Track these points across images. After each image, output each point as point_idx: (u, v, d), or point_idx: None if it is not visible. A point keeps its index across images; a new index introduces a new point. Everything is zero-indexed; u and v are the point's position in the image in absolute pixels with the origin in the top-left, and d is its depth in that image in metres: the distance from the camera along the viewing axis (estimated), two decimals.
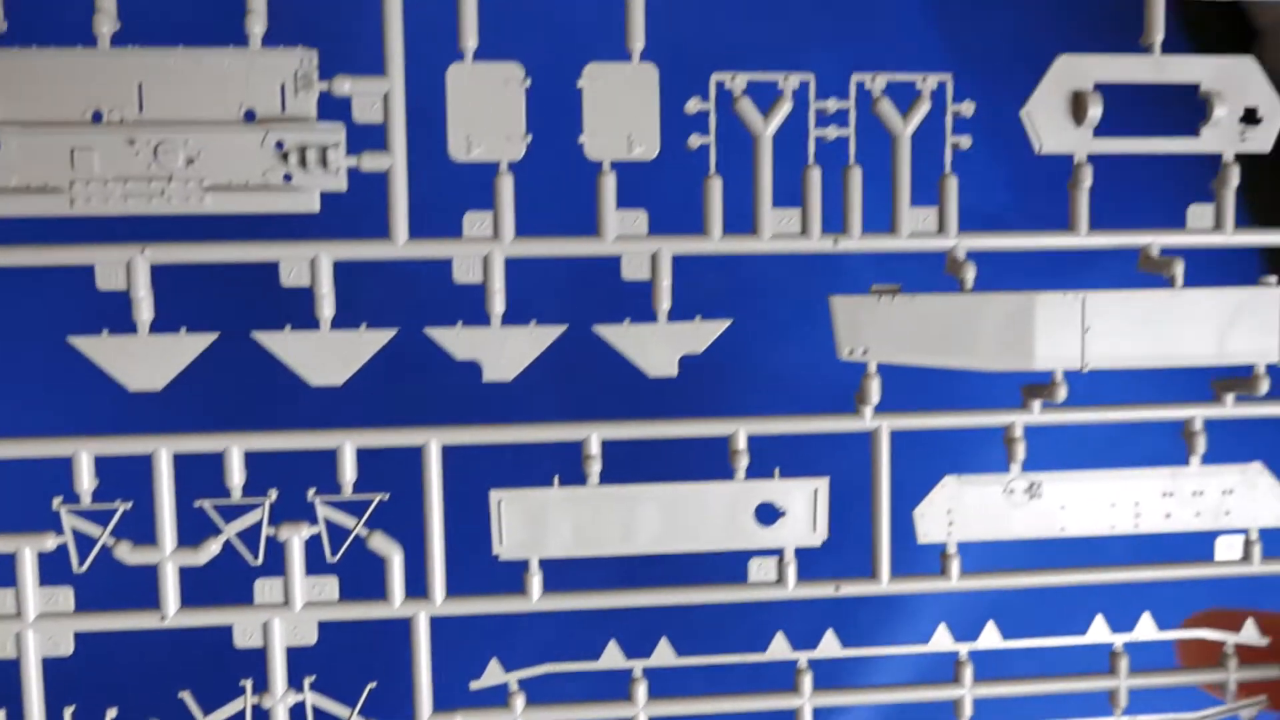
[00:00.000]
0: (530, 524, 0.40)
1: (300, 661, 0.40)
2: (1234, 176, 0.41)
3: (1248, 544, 0.43)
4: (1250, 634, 0.44)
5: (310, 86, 0.38)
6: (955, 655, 0.42)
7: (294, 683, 0.39)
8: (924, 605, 0.56)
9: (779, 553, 0.41)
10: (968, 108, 0.40)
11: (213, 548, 0.38)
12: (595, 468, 0.39)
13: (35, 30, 0.37)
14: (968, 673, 0.42)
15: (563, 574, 0.40)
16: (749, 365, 0.50)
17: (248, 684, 0.39)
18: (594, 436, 0.40)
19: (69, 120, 0.36)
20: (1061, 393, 0.40)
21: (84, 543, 0.39)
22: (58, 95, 0.36)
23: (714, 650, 0.42)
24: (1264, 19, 0.59)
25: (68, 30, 0.38)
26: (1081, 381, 0.42)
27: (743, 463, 0.40)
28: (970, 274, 0.40)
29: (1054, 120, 0.40)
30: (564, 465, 0.40)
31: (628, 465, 0.40)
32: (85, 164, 0.37)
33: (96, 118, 0.37)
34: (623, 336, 0.40)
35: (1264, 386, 0.41)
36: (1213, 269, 0.43)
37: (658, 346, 0.40)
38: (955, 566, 0.42)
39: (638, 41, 0.38)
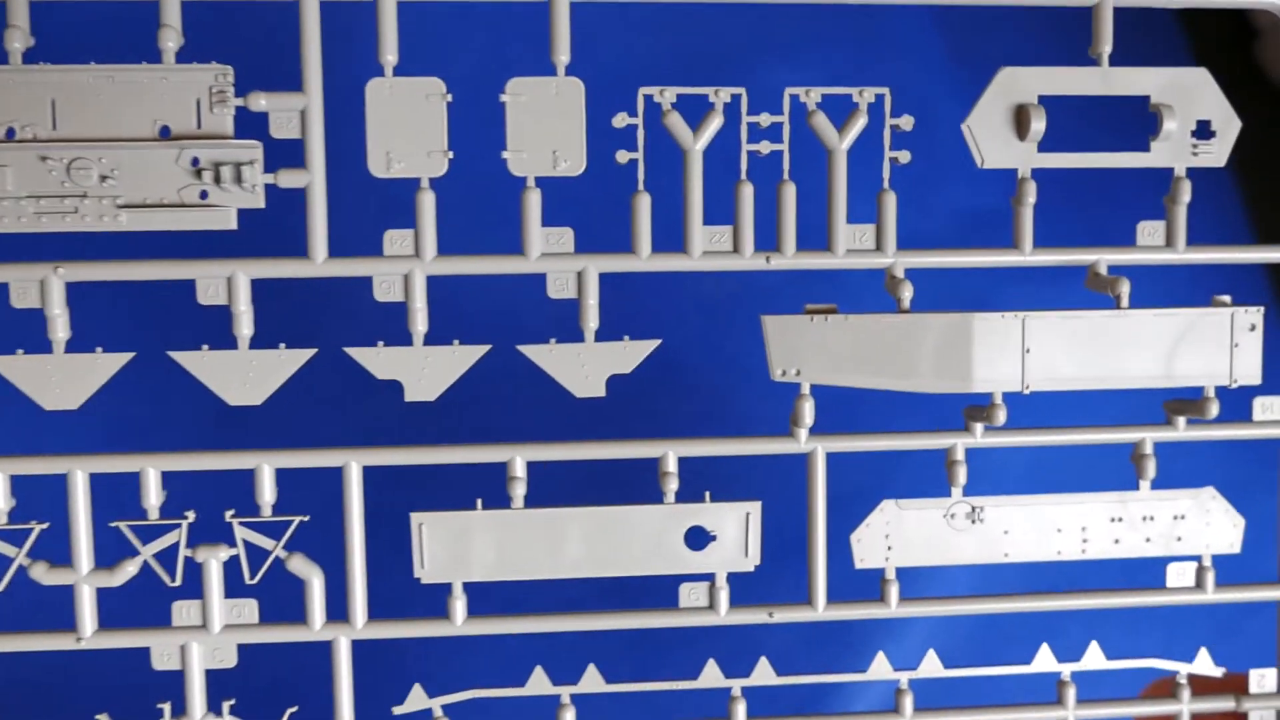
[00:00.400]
0: (453, 547, 0.38)
1: (220, 684, 0.38)
2: (1185, 192, 0.39)
3: (1200, 571, 0.41)
4: (1205, 665, 0.42)
5: (225, 103, 0.36)
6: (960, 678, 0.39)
7: (213, 706, 0.38)
8: (913, 623, 0.53)
9: (711, 577, 0.40)
10: (906, 122, 0.38)
11: (129, 569, 0.37)
12: (519, 490, 0.38)
13: None
14: (908, 702, 0.41)
15: (512, 596, 0.39)
16: (683, 386, 0.48)
17: (166, 707, 0.38)
18: (518, 458, 0.38)
19: None
20: (1000, 415, 0.38)
21: (0, 563, 0.38)
22: None
23: (651, 676, 0.41)
24: (1263, 19, 0.57)
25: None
26: (1038, 405, 0.40)
27: (672, 485, 0.38)
28: (907, 293, 0.38)
29: (996, 134, 0.38)
30: (489, 487, 0.39)
31: (555, 488, 0.39)
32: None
33: (9, 135, 0.36)
34: (548, 356, 0.39)
35: (1213, 410, 0.39)
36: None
37: (584, 366, 0.39)
38: (894, 593, 0.40)
39: (563, 55, 0.37)
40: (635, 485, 0.40)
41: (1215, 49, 0.58)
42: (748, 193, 0.38)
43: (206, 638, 0.38)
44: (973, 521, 0.40)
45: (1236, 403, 0.41)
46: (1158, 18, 0.53)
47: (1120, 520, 0.40)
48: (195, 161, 0.37)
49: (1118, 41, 0.42)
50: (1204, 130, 0.40)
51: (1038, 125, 0.38)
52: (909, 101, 0.43)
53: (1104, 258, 0.40)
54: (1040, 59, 0.45)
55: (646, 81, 0.38)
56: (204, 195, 0.37)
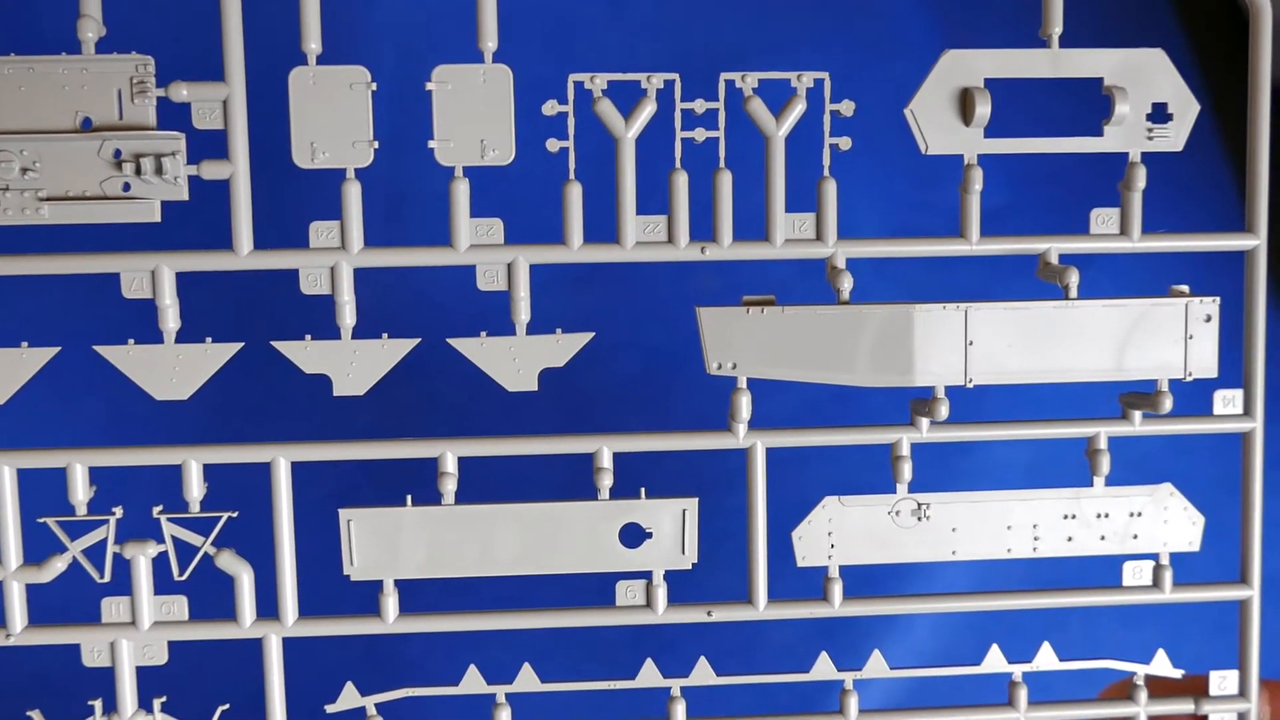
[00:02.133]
0: (382, 544, 0.35)
1: (151, 681, 0.35)
2: (1140, 177, 0.35)
3: (1158, 569, 0.37)
4: (1162, 665, 0.37)
5: (146, 93, 0.33)
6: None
7: (144, 704, 0.35)
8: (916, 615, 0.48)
9: (648, 575, 0.36)
10: (847, 107, 0.34)
11: (58, 565, 0.34)
12: (450, 486, 0.34)
13: None
14: (853, 702, 0.37)
15: (449, 592, 0.35)
16: (620, 380, 0.44)
17: (97, 704, 0.35)
18: (449, 454, 0.35)
19: None
20: (943, 410, 0.34)
21: None
22: None
23: (590, 676, 0.37)
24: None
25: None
26: (994, 399, 0.36)
27: (606, 481, 0.35)
28: (847, 284, 0.34)
29: (940, 119, 0.34)
30: (421, 484, 0.35)
31: (488, 484, 0.35)
32: None
33: None
34: (479, 350, 0.35)
35: (1167, 404, 0.34)
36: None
37: (516, 360, 0.35)
38: (837, 591, 0.36)
39: (490, 41, 0.33)
40: (573, 482, 0.36)
41: (1214, 43, 0.53)
42: (682, 181, 0.34)
43: (136, 634, 0.35)
44: (919, 519, 0.36)
45: (1199, 396, 0.37)
46: (1157, 17, 0.48)
47: (1074, 518, 0.36)
48: (117, 153, 0.34)
49: (1114, 38, 0.38)
50: (1160, 113, 0.35)
51: (983, 109, 0.34)
52: (908, 101, 0.39)
53: (1055, 246, 0.35)
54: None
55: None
56: (126, 188, 0.34)
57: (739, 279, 0.37)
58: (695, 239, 0.33)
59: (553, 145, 0.33)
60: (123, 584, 0.34)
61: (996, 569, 0.38)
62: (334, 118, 0.32)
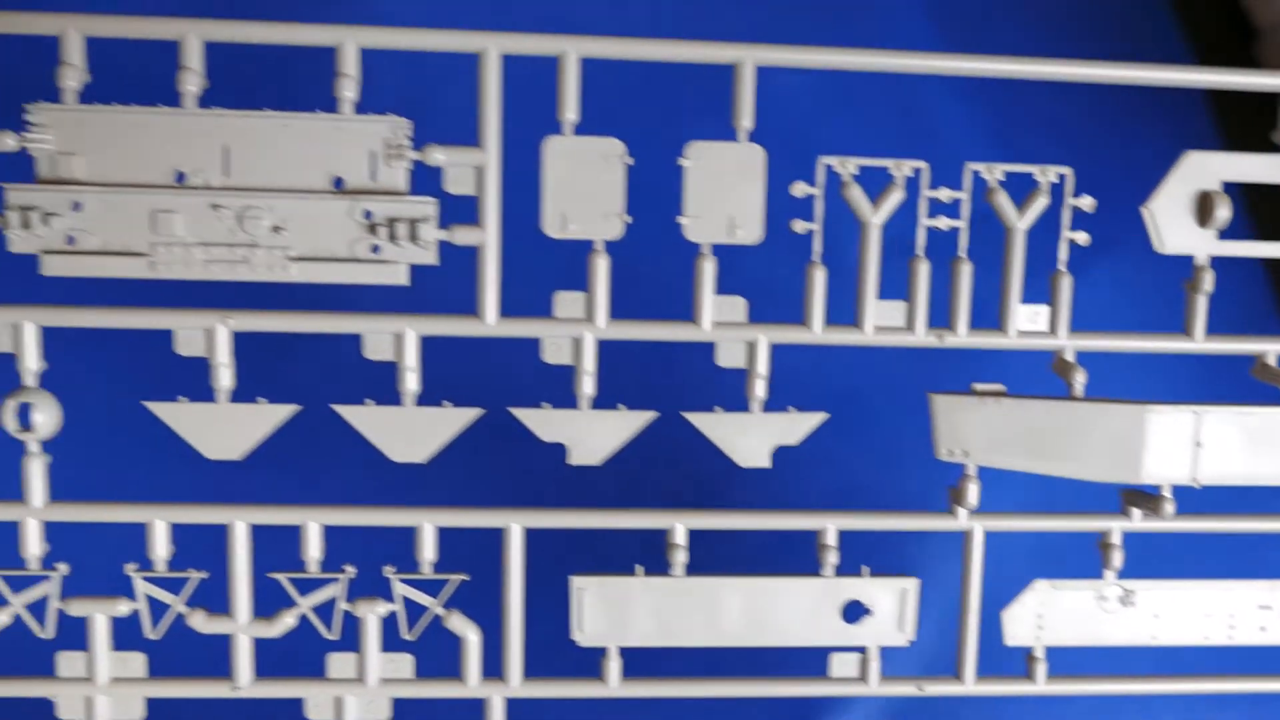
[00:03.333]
0: (611, 612, 0.30)
1: None
2: None
3: None
4: None
5: (402, 156, 0.28)
6: None
7: None
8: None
9: (862, 649, 0.33)
10: (1087, 203, 0.31)
11: (287, 620, 0.29)
12: (680, 558, 0.29)
13: (119, 87, 0.30)
14: None
15: (645, 660, 0.32)
16: (845, 459, 0.41)
17: None
18: (679, 526, 0.30)
19: (152, 182, 0.27)
20: (1169, 509, 0.30)
21: (158, 609, 0.32)
22: (141, 156, 0.27)
23: None
24: (1263, 18, 0.46)
25: (153, 88, 0.30)
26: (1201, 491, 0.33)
27: (831, 559, 0.30)
28: (1080, 379, 0.30)
29: (1177, 219, 0.31)
30: (649, 551, 0.33)
31: (716, 554, 0.32)
32: (167, 227, 0.27)
33: (180, 179, 0.27)
34: (715, 425, 0.31)
35: None
36: None
37: (750, 437, 0.32)
38: (1041, 671, 0.32)
39: (745, 120, 0.28)
40: (793, 554, 0.33)
41: (1214, 48, 0.50)
42: (924, 270, 0.30)
43: (362, 690, 0.30)
44: (1124, 604, 0.34)
45: None
46: (1156, 17, 0.44)
47: (1269, 608, 0.34)
48: (368, 215, 0.29)
49: (1114, 38, 0.35)
50: None
51: (1223, 213, 0.31)
52: (908, 101, 0.36)
53: (1274, 349, 0.33)
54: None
55: (822, 149, 0.32)
56: (375, 249, 0.30)
57: (950, 359, 0.34)
58: (932, 325, 0.29)
59: (800, 227, 0.28)
60: (350, 641, 0.30)
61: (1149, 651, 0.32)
62: (586, 189, 0.28)
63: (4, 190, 0.27)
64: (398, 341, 0.29)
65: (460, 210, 0.29)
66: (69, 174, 0.27)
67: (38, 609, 0.29)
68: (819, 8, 0.43)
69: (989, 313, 0.30)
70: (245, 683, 0.30)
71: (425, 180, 0.28)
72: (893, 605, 0.30)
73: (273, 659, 0.30)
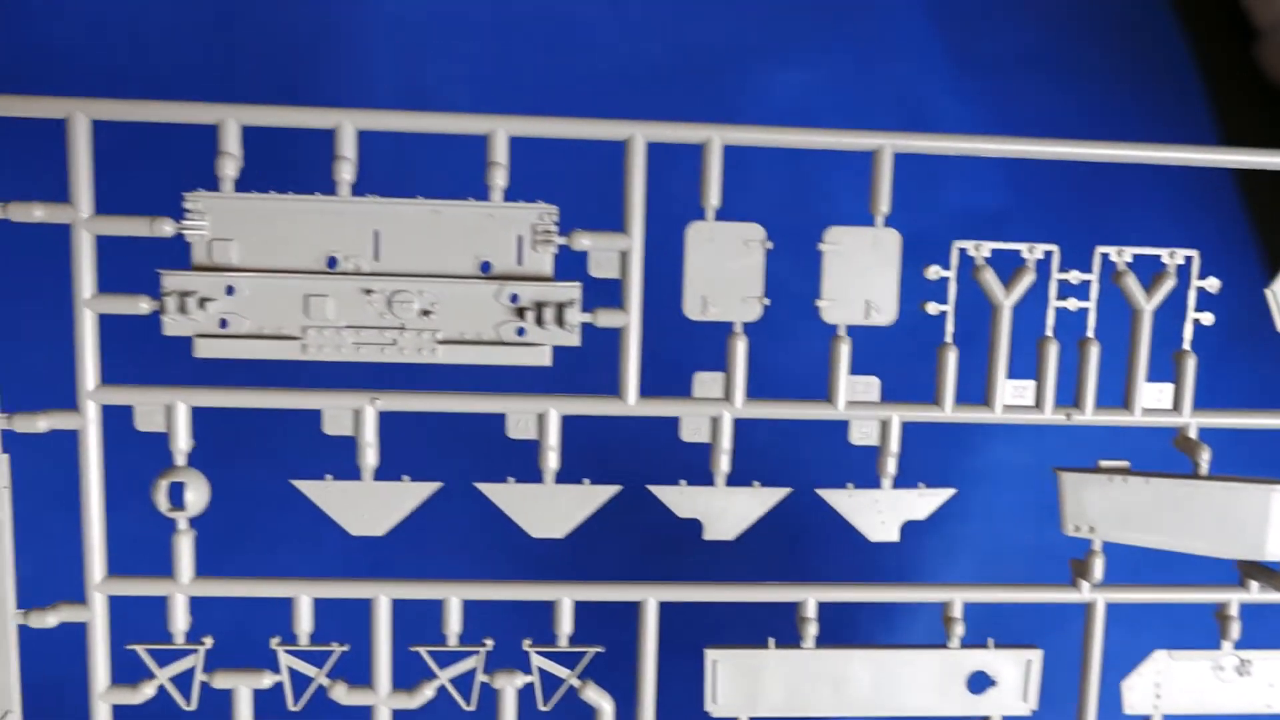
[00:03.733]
0: (743, 683, 0.29)
1: None
2: None
3: None
4: None
5: (550, 242, 0.27)
6: None
7: None
8: None
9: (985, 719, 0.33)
10: (1212, 284, 0.31)
11: (427, 693, 0.28)
12: (811, 630, 0.29)
13: (271, 175, 0.29)
14: None
15: None
16: (971, 533, 0.41)
17: None
18: (811, 600, 0.30)
19: (303, 267, 0.26)
20: None
21: (300, 682, 0.31)
22: (293, 241, 0.26)
23: None
24: (1263, 18, 0.45)
25: (303, 174, 0.30)
26: None
27: (958, 630, 0.29)
28: (1205, 456, 0.30)
29: None
30: (779, 623, 0.32)
31: (844, 624, 0.32)
32: (319, 311, 0.26)
33: (331, 263, 0.27)
34: (846, 501, 0.31)
35: None
36: None
37: (880, 512, 0.32)
38: None
39: (883, 205, 0.27)
40: (910, 624, 0.33)
41: (1214, 48, 0.46)
42: (1053, 350, 0.29)
43: None
44: (1240, 674, 0.33)
45: None
46: (1156, 17, 0.43)
47: None
48: (514, 298, 0.29)
49: (1114, 39, 0.34)
50: None
51: None
52: (908, 101, 0.35)
53: None
54: (1037, 59, 0.36)
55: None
56: (520, 332, 0.30)
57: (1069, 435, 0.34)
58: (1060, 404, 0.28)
59: (933, 309, 0.28)
60: (487, 712, 0.29)
61: None
62: (727, 272, 0.27)
63: (160, 275, 0.27)
64: (540, 421, 0.28)
65: (598, 292, 0.28)
66: (224, 259, 0.26)
67: (182, 681, 0.29)
68: (819, 7, 0.42)
69: (1114, 390, 0.30)
70: None
71: (567, 262, 0.28)
72: (1017, 676, 0.30)
73: None
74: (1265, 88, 0.46)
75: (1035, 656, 0.29)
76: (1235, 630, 0.30)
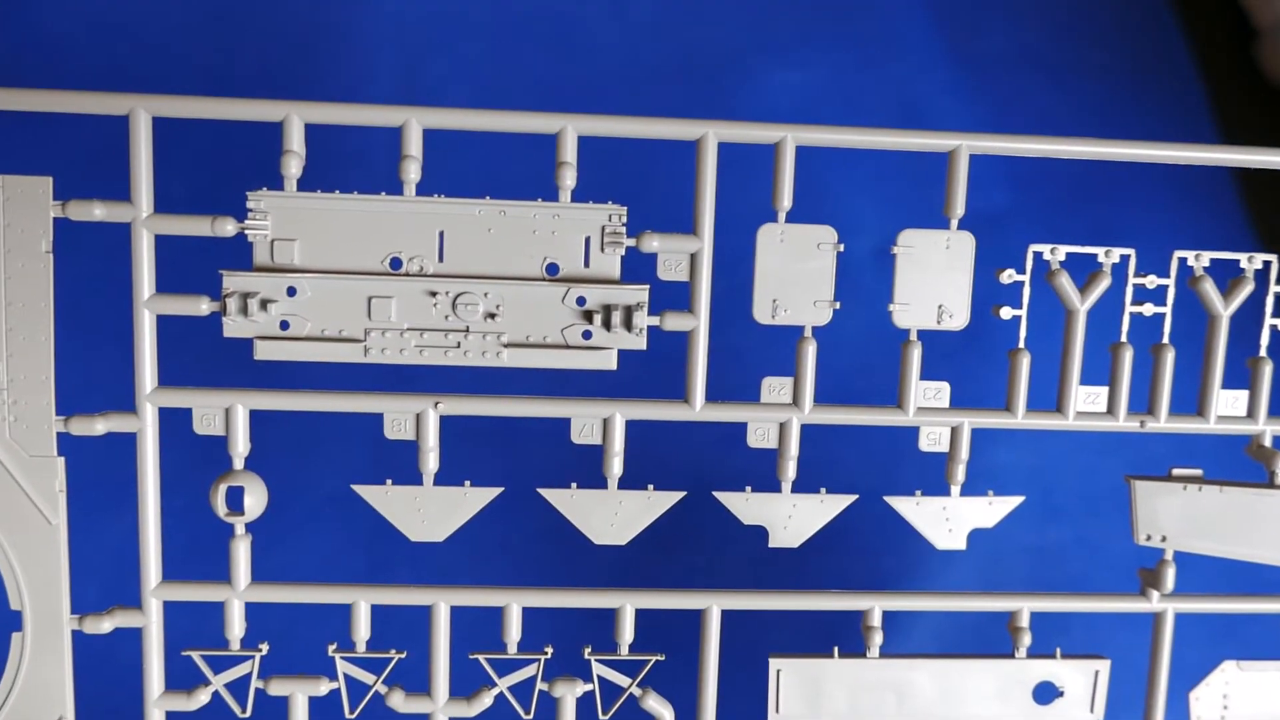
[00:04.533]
0: (807, 691, 0.29)
1: None
2: None
3: None
4: None
5: (619, 244, 0.26)
6: None
7: None
8: None
9: None
10: None
11: (485, 700, 0.28)
12: (876, 639, 0.28)
13: (335, 174, 0.29)
14: None
15: None
16: (1033, 539, 0.41)
17: None
18: (876, 608, 0.29)
19: (366, 268, 0.26)
20: None
21: (356, 689, 0.31)
22: (356, 242, 0.26)
23: None
24: (1263, 18, 0.44)
25: (367, 173, 0.29)
26: None
27: (1025, 640, 0.29)
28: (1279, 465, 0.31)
29: None
30: (843, 632, 0.32)
31: (902, 630, 0.32)
32: (382, 313, 0.26)
33: (395, 265, 0.27)
34: (913, 508, 0.31)
35: None
36: None
37: (948, 520, 0.32)
38: None
39: (958, 208, 0.27)
40: (981, 633, 0.33)
41: (1214, 48, 0.45)
42: (1127, 356, 0.28)
43: None
44: None
45: None
46: (1156, 16, 0.43)
47: None
48: (581, 301, 0.28)
49: (1114, 39, 0.33)
50: None
51: None
52: (909, 101, 0.34)
53: None
54: (1037, 59, 0.35)
55: (1027, 233, 0.31)
56: (587, 335, 0.30)
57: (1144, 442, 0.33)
58: (1132, 411, 0.28)
59: (1005, 313, 0.27)
60: None
61: None
62: (798, 276, 0.27)
63: (222, 276, 0.26)
64: (605, 426, 0.28)
65: (669, 296, 0.28)
66: (285, 260, 0.26)
67: (238, 688, 0.29)
68: (819, 7, 0.42)
69: (1188, 397, 0.29)
70: None
71: (633, 264, 0.28)
72: (1084, 686, 0.30)
73: None
74: (1265, 88, 0.45)
75: (1103, 667, 0.29)
76: None
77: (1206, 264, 0.28)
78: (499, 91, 0.29)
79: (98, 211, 0.26)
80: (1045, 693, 0.29)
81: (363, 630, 0.28)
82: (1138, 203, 0.33)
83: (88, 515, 0.28)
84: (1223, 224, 0.46)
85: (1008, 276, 0.27)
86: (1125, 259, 0.28)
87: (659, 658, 0.28)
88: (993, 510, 0.28)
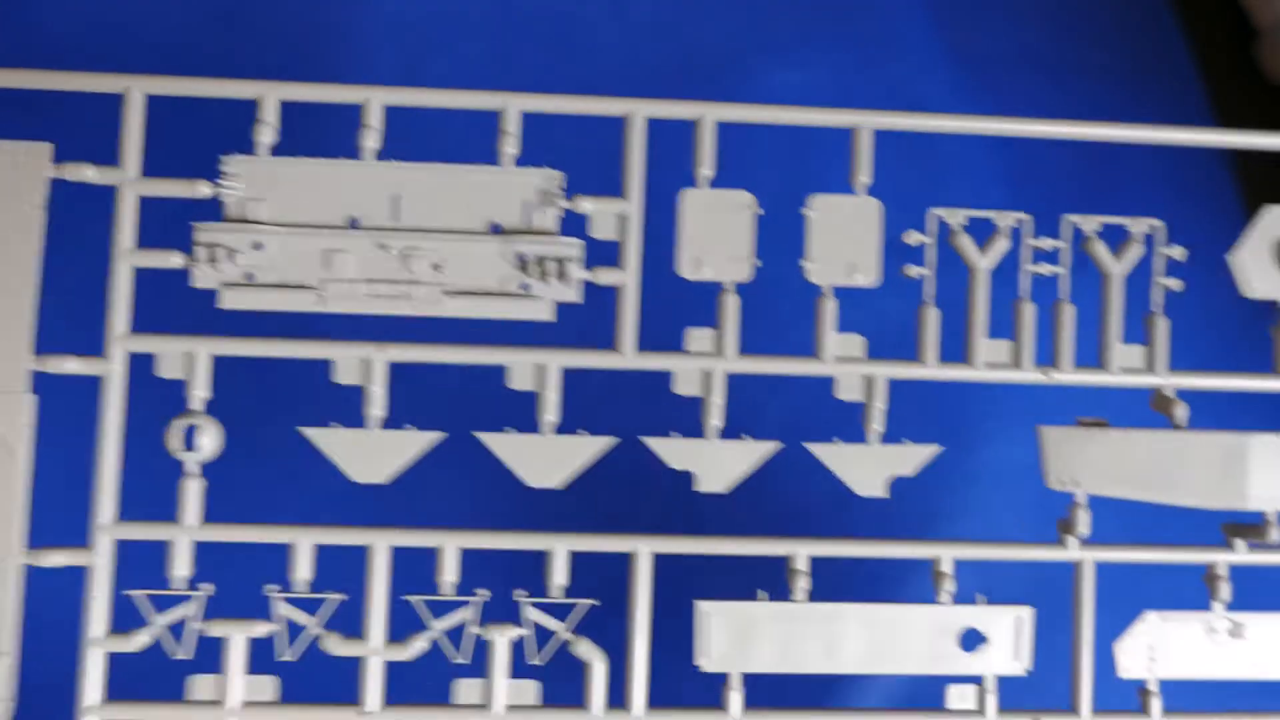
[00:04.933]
0: (736, 638, 0.30)
1: None
2: None
3: None
4: None
5: (553, 204, 0.30)
6: None
7: None
8: None
9: (978, 680, 0.32)
10: (1179, 253, 0.33)
11: (419, 644, 0.29)
12: (802, 584, 0.30)
13: (303, 141, 0.32)
14: None
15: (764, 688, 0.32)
16: (959, 491, 0.42)
17: None
18: (802, 552, 0.30)
19: (328, 224, 0.29)
20: (1275, 534, 0.31)
21: (295, 632, 0.30)
22: (319, 202, 0.29)
23: None
24: (1263, 18, 0.45)
25: (331, 141, 0.32)
26: None
27: (949, 586, 0.30)
28: (1182, 412, 0.32)
29: (1262, 267, 0.33)
30: (770, 579, 0.33)
31: (835, 582, 0.33)
32: (340, 266, 0.29)
33: (353, 224, 0.29)
34: (834, 455, 0.32)
35: None
36: None
37: (867, 467, 0.33)
38: (1156, 705, 0.32)
39: (864, 176, 0.30)
40: (902, 584, 0.34)
41: (1214, 48, 0.47)
42: (1029, 311, 0.31)
43: (488, 717, 0.31)
44: (1234, 636, 0.34)
45: None
46: (1156, 16, 0.44)
47: None
48: (520, 257, 0.32)
49: (1113, 38, 0.35)
50: None
51: None
52: (909, 101, 0.35)
53: None
54: (1037, 59, 0.37)
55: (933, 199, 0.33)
56: (525, 287, 0.32)
57: (1054, 399, 0.35)
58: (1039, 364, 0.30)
59: (912, 271, 0.30)
60: (478, 665, 0.29)
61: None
62: (719, 235, 0.29)
63: (193, 229, 0.29)
64: (540, 373, 0.30)
65: (601, 255, 0.31)
66: (254, 216, 0.29)
67: (178, 630, 0.29)
68: (819, 7, 0.44)
69: (1090, 354, 0.31)
70: (375, 708, 0.29)
71: (572, 229, 0.30)
72: (1008, 634, 0.30)
73: (397, 684, 0.30)
74: (1265, 88, 0.47)
75: (1026, 613, 0.30)
76: (1225, 591, 0.30)
77: (1098, 228, 0.30)
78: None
79: (89, 173, 0.29)
80: (972, 640, 0.30)
81: (303, 570, 0.29)
82: (1138, 203, 0.35)
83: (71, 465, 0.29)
84: (1222, 224, 0.46)
85: (914, 238, 0.30)
86: (1021, 224, 0.30)
87: (592, 603, 0.29)
88: (910, 457, 0.30)
